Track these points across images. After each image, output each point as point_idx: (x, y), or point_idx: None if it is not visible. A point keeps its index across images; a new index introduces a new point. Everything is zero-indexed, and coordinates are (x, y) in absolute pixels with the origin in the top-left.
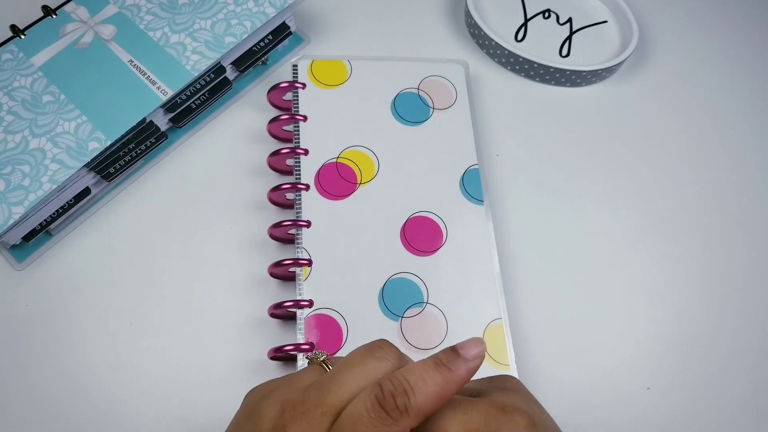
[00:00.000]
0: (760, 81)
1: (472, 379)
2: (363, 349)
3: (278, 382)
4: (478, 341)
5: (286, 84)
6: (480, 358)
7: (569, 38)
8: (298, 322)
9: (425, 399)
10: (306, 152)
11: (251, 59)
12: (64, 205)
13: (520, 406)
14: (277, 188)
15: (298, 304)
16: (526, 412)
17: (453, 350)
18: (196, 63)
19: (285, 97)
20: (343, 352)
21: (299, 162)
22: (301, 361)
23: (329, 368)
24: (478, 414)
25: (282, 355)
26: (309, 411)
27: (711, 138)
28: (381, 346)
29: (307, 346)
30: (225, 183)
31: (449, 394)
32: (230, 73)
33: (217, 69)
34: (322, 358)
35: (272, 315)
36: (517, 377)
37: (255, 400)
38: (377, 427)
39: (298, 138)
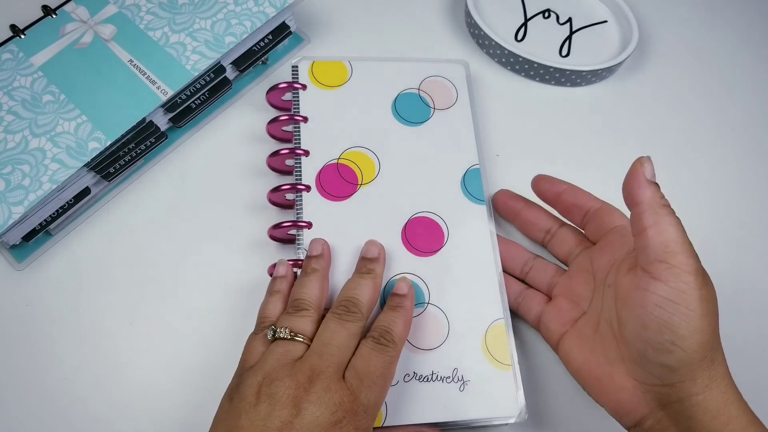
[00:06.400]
0: (760, 81)
1: None
2: (335, 321)
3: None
4: (403, 281)
5: (284, 85)
6: (410, 287)
7: (569, 38)
8: None
9: (400, 334)
10: (307, 153)
11: (251, 59)
12: (64, 205)
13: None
14: (277, 189)
15: None
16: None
17: (394, 295)
18: (196, 63)
19: (284, 98)
20: None
21: (300, 163)
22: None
23: (296, 338)
24: None
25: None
26: (321, 374)
27: (711, 138)
28: (345, 313)
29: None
30: (225, 183)
31: (408, 322)
32: (230, 73)
33: (217, 69)
34: (284, 334)
35: None
36: (520, 382)
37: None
38: (379, 351)
39: (299, 139)
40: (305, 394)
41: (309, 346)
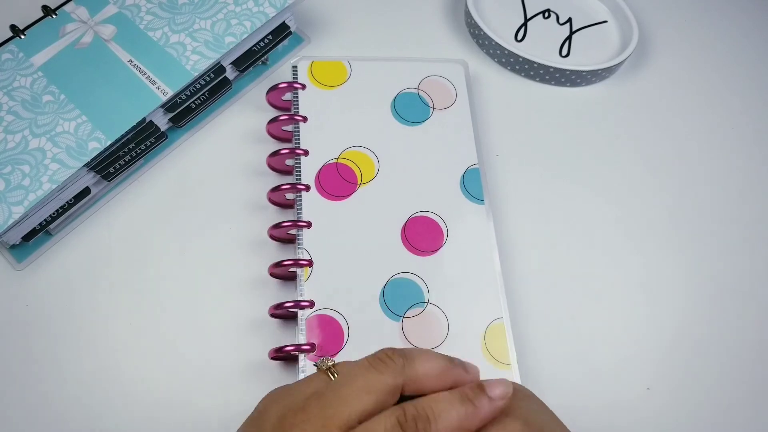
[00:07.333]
0: (760, 80)
1: None
2: (365, 362)
3: (286, 388)
4: (506, 383)
5: (284, 85)
6: (505, 398)
7: (569, 38)
8: (299, 322)
9: (446, 429)
10: (306, 153)
11: (251, 59)
12: (64, 205)
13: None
14: (276, 188)
15: (298, 304)
16: None
17: (480, 387)
18: (196, 63)
19: (284, 98)
20: (344, 353)
21: (299, 162)
22: (303, 362)
23: (334, 376)
24: None
25: (283, 356)
26: (310, 420)
27: (711, 138)
28: (383, 359)
29: (308, 347)
30: (225, 183)
31: (470, 428)
32: (230, 73)
33: (217, 69)
34: (329, 364)
35: (273, 315)
36: (519, 381)
37: (263, 403)
38: None
39: (298, 139)
40: None
41: None
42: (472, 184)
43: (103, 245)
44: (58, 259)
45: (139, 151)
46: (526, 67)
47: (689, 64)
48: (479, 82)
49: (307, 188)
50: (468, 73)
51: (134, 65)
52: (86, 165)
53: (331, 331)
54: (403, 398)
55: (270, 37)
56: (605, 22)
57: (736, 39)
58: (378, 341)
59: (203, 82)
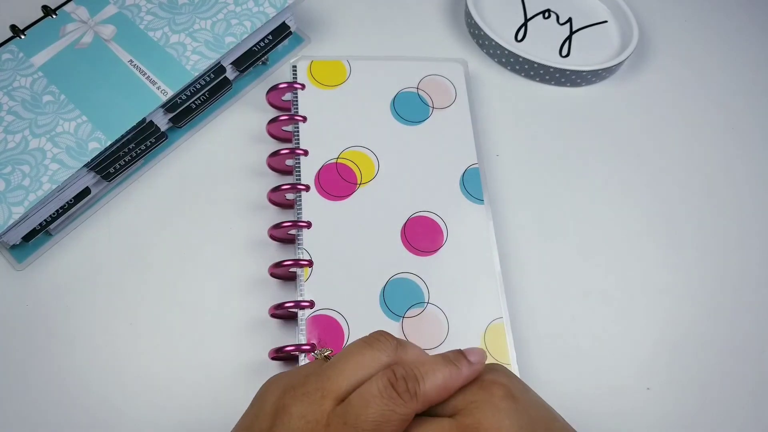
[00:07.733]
0: (761, 81)
1: None
2: (361, 341)
3: (285, 372)
4: (481, 350)
5: (284, 85)
6: (481, 363)
7: (569, 38)
8: (299, 322)
9: (433, 387)
10: (306, 153)
11: (251, 59)
12: (64, 205)
13: (500, 380)
14: (277, 189)
15: (299, 304)
16: (505, 384)
17: (459, 351)
18: (196, 63)
19: (284, 98)
20: None
21: (299, 162)
22: (303, 362)
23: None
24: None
25: (283, 356)
26: (309, 393)
27: (711, 138)
28: (377, 338)
29: (308, 347)
30: (225, 183)
31: (453, 387)
32: (230, 73)
33: (217, 69)
34: (326, 353)
35: (273, 315)
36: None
37: (263, 387)
38: (387, 405)
39: (298, 138)
40: None
41: None
42: (472, 184)
43: (103, 245)
44: (58, 259)
45: (139, 152)
46: (526, 67)
47: (689, 64)
48: (479, 82)
49: (307, 188)
50: (467, 73)
51: (134, 65)
52: (86, 165)
53: (331, 331)
54: None
55: (270, 37)
56: (605, 22)
57: (736, 39)
58: None
59: (203, 82)
